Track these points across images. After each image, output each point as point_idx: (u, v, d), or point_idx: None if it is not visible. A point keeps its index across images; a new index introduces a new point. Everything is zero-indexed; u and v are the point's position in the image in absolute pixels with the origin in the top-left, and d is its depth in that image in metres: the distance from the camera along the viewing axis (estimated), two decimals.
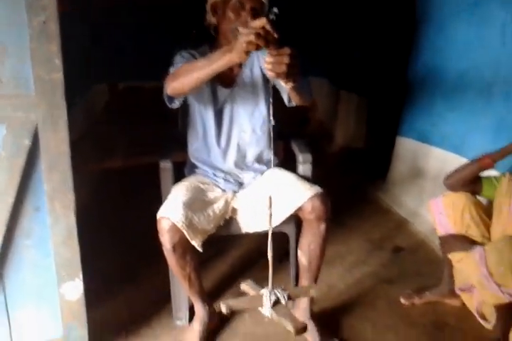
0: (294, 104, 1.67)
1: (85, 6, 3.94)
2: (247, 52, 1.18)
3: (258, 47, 1.14)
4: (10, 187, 1.39)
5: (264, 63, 1.19)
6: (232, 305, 1.24)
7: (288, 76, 1.20)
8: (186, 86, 1.48)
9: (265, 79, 1.84)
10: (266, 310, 1.24)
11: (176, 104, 1.69)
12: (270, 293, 1.24)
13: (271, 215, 1.26)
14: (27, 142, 1.37)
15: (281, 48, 1.16)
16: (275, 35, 1.13)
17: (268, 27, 1.11)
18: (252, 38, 1.12)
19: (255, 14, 1.67)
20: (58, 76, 1.36)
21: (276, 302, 1.24)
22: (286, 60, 1.16)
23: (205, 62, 1.36)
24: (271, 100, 1.32)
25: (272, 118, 1.31)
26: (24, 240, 1.48)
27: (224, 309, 1.23)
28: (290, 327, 1.29)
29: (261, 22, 1.12)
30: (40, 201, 1.44)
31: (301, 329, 1.30)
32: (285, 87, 1.46)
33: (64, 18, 1.38)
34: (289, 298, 1.26)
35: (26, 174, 1.41)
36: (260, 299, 1.25)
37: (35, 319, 1.57)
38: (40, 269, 1.52)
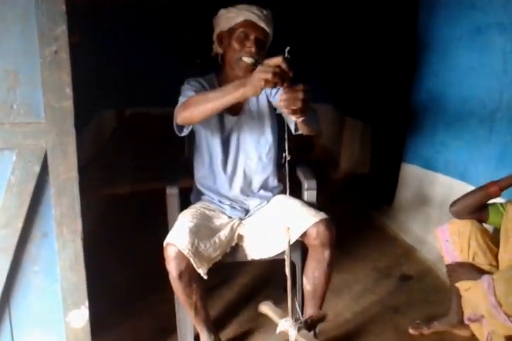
0: (300, 132, 1.69)
1: (93, 36, 4.04)
2: (262, 89, 1.22)
3: (274, 85, 1.19)
4: (20, 212, 1.40)
5: (279, 102, 1.23)
6: (269, 310, 1.33)
7: (302, 111, 1.25)
8: (197, 116, 1.51)
9: (271, 108, 1.87)
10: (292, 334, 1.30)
11: (185, 132, 1.72)
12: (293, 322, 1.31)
13: (289, 243, 1.31)
14: (37, 168, 1.39)
15: (295, 85, 1.21)
16: (290, 74, 1.17)
17: (284, 66, 1.15)
18: (269, 76, 1.16)
19: (259, 44, 1.72)
20: (68, 104, 1.39)
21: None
22: (300, 96, 1.20)
23: (218, 94, 1.39)
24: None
25: (286, 152, 1.36)
26: (32, 266, 1.48)
27: (263, 309, 1.33)
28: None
29: (277, 60, 1.17)
30: (48, 226, 1.45)
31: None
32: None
33: (74, 48, 1.42)
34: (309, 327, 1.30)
35: (35, 199, 1.42)
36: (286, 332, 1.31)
37: None
38: (46, 295, 1.51)
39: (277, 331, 1.35)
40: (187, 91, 1.72)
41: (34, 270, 1.48)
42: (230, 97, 1.34)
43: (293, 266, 1.89)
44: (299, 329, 1.28)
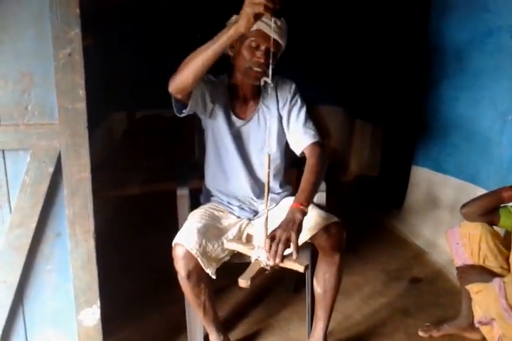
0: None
1: (106, 37, 4.08)
2: (256, 17, 1.25)
3: (266, 8, 1.21)
4: (33, 212, 1.43)
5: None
6: (248, 276, 1.37)
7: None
8: (190, 72, 1.45)
9: (280, 120, 1.86)
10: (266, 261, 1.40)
11: (185, 113, 1.66)
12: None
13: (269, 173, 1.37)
14: (50, 169, 1.42)
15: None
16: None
17: None
18: (260, 9, 1.20)
19: (269, 55, 1.70)
20: (81, 106, 1.42)
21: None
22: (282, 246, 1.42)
23: (210, 42, 1.39)
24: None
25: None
26: (45, 265, 1.50)
27: (244, 284, 1.36)
28: (297, 266, 1.39)
29: None
30: (61, 226, 1.48)
31: (306, 267, 1.41)
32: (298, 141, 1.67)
33: (87, 51, 1.44)
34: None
35: (49, 199, 1.44)
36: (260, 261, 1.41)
37: None
38: (59, 294, 1.54)
39: (253, 259, 1.44)
40: None
41: (47, 269, 1.51)
42: (224, 38, 1.33)
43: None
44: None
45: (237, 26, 1.28)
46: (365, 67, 4.29)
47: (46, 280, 1.51)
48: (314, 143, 1.77)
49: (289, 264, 1.40)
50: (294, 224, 1.47)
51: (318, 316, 1.80)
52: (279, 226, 1.48)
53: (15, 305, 1.50)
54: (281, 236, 1.43)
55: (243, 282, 1.35)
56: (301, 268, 1.38)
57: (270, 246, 1.40)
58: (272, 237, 1.43)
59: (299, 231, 1.47)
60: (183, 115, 1.69)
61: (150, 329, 2.04)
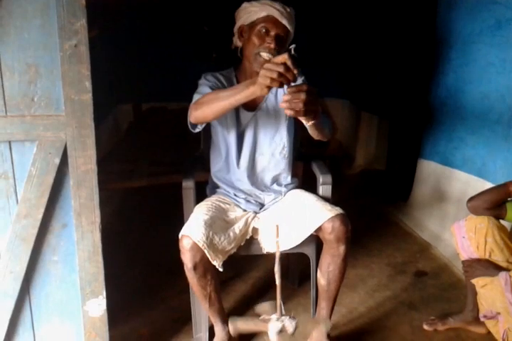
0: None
1: (112, 30, 4.06)
2: (269, 88, 1.23)
3: (281, 84, 1.19)
4: (40, 203, 1.43)
5: (280, 103, 1.23)
6: (239, 327, 1.24)
7: (306, 113, 1.24)
8: (209, 115, 1.53)
9: None
10: (271, 335, 1.24)
11: (199, 129, 1.73)
12: (278, 320, 1.24)
13: (278, 243, 1.26)
14: (57, 160, 1.42)
15: (299, 85, 1.21)
16: (295, 72, 1.17)
17: (289, 63, 1.16)
18: (274, 75, 1.16)
19: (279, 41, 1.70)
20: (87, 97, 1.42)
21: (282, 330, 1.25)
22: (302, 96, 1.19)
23: (229, 93, 1.40)
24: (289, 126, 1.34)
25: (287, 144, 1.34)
26: (51, 256, 1.51)
27: (231, 330, 1.24)
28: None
29: (283, 58, 1.17)
30: (68, 217, 1.48)
31: None
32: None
33: (93, 41, 1.44)
34: (297, 327, 1.26)
35: (55, 191, 1.45)
36: (267, 325, 1.25)
37: (59, 334, 1.59)
38: (65, 284, 1.55)
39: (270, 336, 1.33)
40: (202, 88, 1.72)
41: (53, 260, 1.52)
42: (240, 96, 1.35)
43: (307, 259, 1.90)
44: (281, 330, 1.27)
45: (253, 91, 1.29)
46: (372, 60, 4.27)
47: (52, 271, 1.53)
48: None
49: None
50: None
51: (322, 306, 1.81)
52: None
53: (21, 295, 1.51)
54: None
55: (231, 328, 1.29)
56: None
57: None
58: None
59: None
60: (197, 130, 1.74)
61: (155, 320, 2.05)
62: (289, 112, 1.23)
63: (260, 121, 1.85)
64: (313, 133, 1.58)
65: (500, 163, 2.34)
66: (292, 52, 1.18)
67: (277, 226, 1.24)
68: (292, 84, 1.23)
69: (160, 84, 5.11)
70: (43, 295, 1.54)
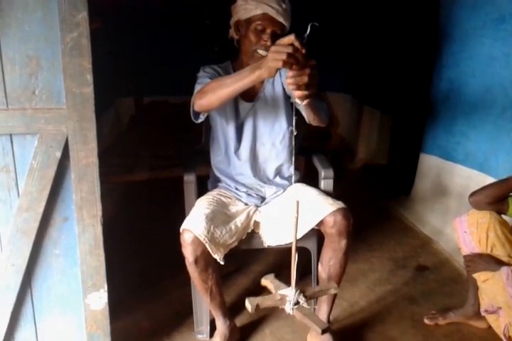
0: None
1: (113, 23, 4.05)
2: (278, 69, 1.21)
3: (290, 66, 1.16)
4: (41, 196, 1.43)
5: (285, 79, 1.21)
6: (258, 303, 1.26)
7: (308, 87, 1.21)
8: (214, 102, 1.51)
9: (286, 95, 1.86)
10: (288, 308, 1.27)
11: (201, 119, 1.72)
12: (294, 293, 1.26)
13: (297, 219, 1.26)
14: (58, 153, 1.41)
15: (309, 59, 1.18)
16: (303, 51, 1.15)
17: (297, 44, 1.14)
18: (284, 57, 1.14)
19: (275, 38, 1.68)
20: (89, 90, 1.41)
21: (298, 303, 1.27)
22: (307, 70, 1.17)
23: (234, 79, 1.39)
24: (290, 113, 1.33)
25: (293, 129, 1.33)
26: (52, 249, 1.51)
27: (249, 307, 1.25)
28: (315, 327, 1.29)
29: (289, 39, 1.15)
30: (69, 210, 1.48)
31: (326, 329, 1.29)
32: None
33: (95, 34, 1.42)
34: (310, 297, 1.28)
35: (56, 184, 1.45)
36: (283, 299, 1.27)
37: (61, 327, 1.60)
38: (67, 278, 1.55)
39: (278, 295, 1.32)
40: (202, 79, 1.72)
41: (55, 253, 1.52)
42: (246, 80, 1.33)
43: (308, 254, 1.91)
44: (296, 303, 1.28)
45: (260, 74, 1.27)
46: (374, 54, 4.25)
47: (54, 264, 1.53)
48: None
49: (309, 322, 1.32)
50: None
51: (322, 300, 1.81)
52: None
53: (23, 288, 1.51)
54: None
55: (249, 305, 1.26)
56: (318, 332, 1.28)
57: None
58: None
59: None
60: (199, 121, 1.72)
61: (157, 314, 2.06)
62: (291, 87, 1.20)
63: (259, 111, 1.85)
64: (309, 115, 1.58)
65: (503, 157, 2.34)
66: (308, 31, 1.16)
67: (297, 202, 1.24)
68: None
69: (161, 77, 5.09)
70: (44, 288, 1.54)
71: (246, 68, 1.35)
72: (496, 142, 2.42)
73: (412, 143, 3.39)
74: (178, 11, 4.95)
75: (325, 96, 4.79)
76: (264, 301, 1.29)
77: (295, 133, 1.34)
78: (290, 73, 1.18)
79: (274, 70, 1.21)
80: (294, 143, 1.88)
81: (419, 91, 3.38)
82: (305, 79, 1.18)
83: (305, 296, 1.29)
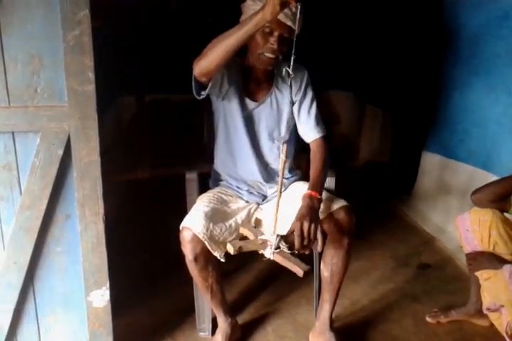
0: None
1: (114, 22, 4.04)
2: (281, 6, 1.21)
3: (288, 4, 1.19)
4: (43, 194, 1.43)
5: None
6: (240, 245, 1.31)
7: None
8: (214, 60, 1.45)
9: (291, 104, 1.84)
10: (268, 252, 1.30)
11: (203, 95, 1.66)
12: (276, 238, 1.35)
13: (283, 160, 1.34)
14: (60, 151, 1.42)
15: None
16: None
17: None
18: None
19: (283, 41, 1.67)
20: (90, 88, 1.41)
21: (279, 248, 1.34)
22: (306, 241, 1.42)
23: (235, 28, 1.37)
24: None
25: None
26: (55, 247, 1.52)
27: (231, 248, 1.30)
28: (296, 269, 1.32)
29: None
30: (71, 208, 1.48)
31: (308, 271, 1.37)
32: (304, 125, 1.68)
33: (97, 32, 1.42)
34: (291, 243, 1.38)
35: (58, 182, 1.45)
36: (265, 243, 1.33)
37: (63, 324, 1.61)
38: (69, 275, 1.55)
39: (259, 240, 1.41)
40: None
41: (57, 251, 1.52)
42: (250, 25, 1.31)
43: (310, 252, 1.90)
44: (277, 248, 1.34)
45: (263, 14, 1.26)
46: (376, 52, 4.24)
47: (56, 262, 1.53)
48: (322, 138, 1.84)
49: (289, 265, 1.38)
50: (316, 214, 1.52)
51: (325, 299, 1.81)
52: (303, 216, 1.50)
53: (26, 286, 1.52)
54: (310, 229, 1.46)
55: (231, 247, 1.35)
56: (300, 273, 1.37)
57: (300, 236, 1.43)
58: (300, 228, 1.45)
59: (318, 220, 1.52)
60: (201, 97, 1.68)
61: (159, 311, 2.06)
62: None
63: (263, 114, 1.84)
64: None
65: (506, 155, 2.33)
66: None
67: (284, 142, 1.35)
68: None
69: (163, 75, 5.09)
70: (46, 285, 1.55)
71: (247, 17, 1.35)
72: (498, 140, 2.42)
73: (413, 141, 3.38)
74: (180, 10, 4.94)
75: (327, 94, 4.78)
76: (246, 244, 1.34)
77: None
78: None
79: (279, 4, 1.21)
80: (293, 145, 1.91)
81: (421, 89, 3.38)
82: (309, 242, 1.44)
83: (286, 242, 1.33)
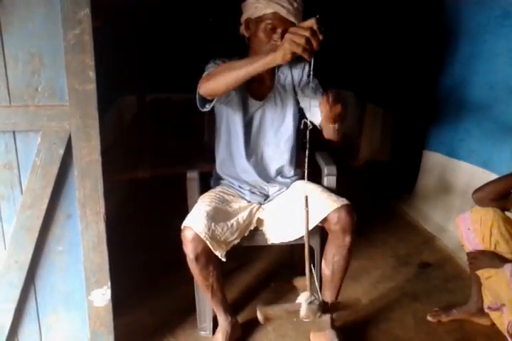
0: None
1: (115, 21, 4.04)
2: (293, 54, 1.20)
3: (304, 50, 1.17)
4: (44, 193, 1.43)
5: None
6: (269, 314, 1.24)
7: (337, 120, 1.45)
8: (221, 86, 1.47)
9: (296, 98, 1.85)
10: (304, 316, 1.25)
11: (207, 108, 1.68)
12: (310, 303, 1.27)
13: (308, 213, 1.30)
14: (61, 150, 1.41)
15: (331, 94, 1.37)
16: (321, 37, 1.16)
17: (316, 28, 1.14)
18: (302, 40, 1.14)
19: None
20: (91, 87, 1.40)
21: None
22: (338, 109, 1.39)
23: (246, 62, 1.37)
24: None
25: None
26: (56, 246, 1.52)
27: (260, 317, 1.23)
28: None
29: (310, 22, 1.15)
30: (72, 208, 1.48)
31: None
32: (317, 114, 1.60)
33: (97, 32, 1.42)
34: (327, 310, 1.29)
35: (59, 181, 1.45)
36: (296, 309, 1.25)
37: (64, 323, 1.61)
38: (70, 275, 1.55)
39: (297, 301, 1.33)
40: (211, 69, 1.69)
41: (58, 250, 1.52)
42: (259, 64, 1.31)
43: (312, 250, 1.90)
44: (311, 306, 1.26)
45: (274, 57, 1.25)
46: (377, 52, 4.24)
47: (57, 261, 1.53)
48: None
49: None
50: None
51: (325, 297, 1.81)
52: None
53: (27, 285, 1.52)
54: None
55: (260, 315, 1.27)
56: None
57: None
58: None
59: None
60: (205, 110, 1.69)
61: (160, 310, 2.06)
62: (327, 121, 1.45)
63: (267, 111, 1.84)
64: (328, 133, 1.64)
65: (507, 154, 2.33)
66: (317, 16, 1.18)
67: (306, 197, 1.29)
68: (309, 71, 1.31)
69: (164, 75, 5.09)
70: (48, 285, 1.55)
71: (258, 55, 1.36)
72: (499, 139, 2.41)
73: (414, 140, 3.38)
74: (180, 9, 4.94)
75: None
76: (275, 312, 1.27)
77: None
78: (324, 112, 1.40)
79: (290, 53, 1.20)
80: (296, 143, 1.91)
81: (421, 88, 3.38)
82: (336, 117, 1.41)
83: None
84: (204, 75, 1.62)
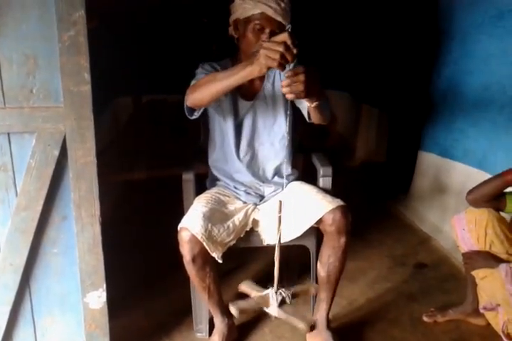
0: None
1: (111, 23, 4.04)
2: (269, 68, 1.22)
3: (279, 64, 1.18)
4: (39, 195, 1.43)
5: (281, 88, 1.23)
6: (241, 306, 1.27)
7: (308, 94, 1.24)
8: (206, 97, 1.51)
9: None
10: (273, 309, 1.27)
11: (196, 115, 1.70)
12: (276, 293, 1.30)
13: (280, 219, 1.29)
14: (56, 152, 1.41)
15: (296, 68, 1.21)
16: (295, 51, 1.16)
17: (289, 42, 1.14)
18: (276, 56, 1.15)
19: None
20: (86, 89, 1.40)
21: (283, 302, 1.30)
22: (301, 77, 1.19)
23: (226, 74, 1.39)
24: (288, 115, 1.36)
25: (286, 133, 1.34)
26: (51, 248, 1.51)
27: (234, 311, 1.25)
28: (302, 325, 1.30)
29: (283, 36, 1.15)
30: (67, 209, 1.48)
31: (313, 326, 1.33)
32: (305, 104, 1.49)
33: (92, 33, 1.42)
34: (294, 296, 1.31)
35: (54, 183, 1.44)
36: (267, 299, 1.29)
37: (59, 326, 1.60)
38: (65, 277, 1.55)
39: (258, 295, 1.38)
40: (199, 75, 1.72)
41: (53, 252, 1.51)
42: (238, 77, 1.33)
43: (307, 252, 1.90)
44: (281, 303, 1.30)
45: (251, 70, 1.27)
46: (372, 52, 4.25)
47: (52, 263, 1.52)
48: None
49: (295, 321, 1.35)
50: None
51: (321, 298, 1.81)
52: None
53: (22, 287, 1.51)
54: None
55: (233, 309, 1.32)
56: (304, 328, 1.35)
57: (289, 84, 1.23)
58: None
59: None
60: (194, 117, 1.71)
61: (156, 312, 2.06)
62: (290, 96, 1.23)
63: (258, 110, 1.84)
64: (314, 116, 1.58)
65: (501, 155, 2.34)
66: (289, 30, 1.18)
67: (280, 202, 1.27)
68: (291, 65, 1.21)
69: (160, 76, 5.09)
70: (43, 287, 1.54)
71: (239, 64, 1.36)
72: (494, 139, 2.42)
73: (410, 141, 3.39)
74: (175, 10, 4.94)
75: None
76: (248, 304, 1.33)
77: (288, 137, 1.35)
78: (284, 82, 1.20)
79: (266, 68, 1.22)
80: (291, 143, 1.89)
81: (416, 89, 3.39)
82: (300, 87, 1.20)
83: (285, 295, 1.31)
84: (191, 85, 1.64)
